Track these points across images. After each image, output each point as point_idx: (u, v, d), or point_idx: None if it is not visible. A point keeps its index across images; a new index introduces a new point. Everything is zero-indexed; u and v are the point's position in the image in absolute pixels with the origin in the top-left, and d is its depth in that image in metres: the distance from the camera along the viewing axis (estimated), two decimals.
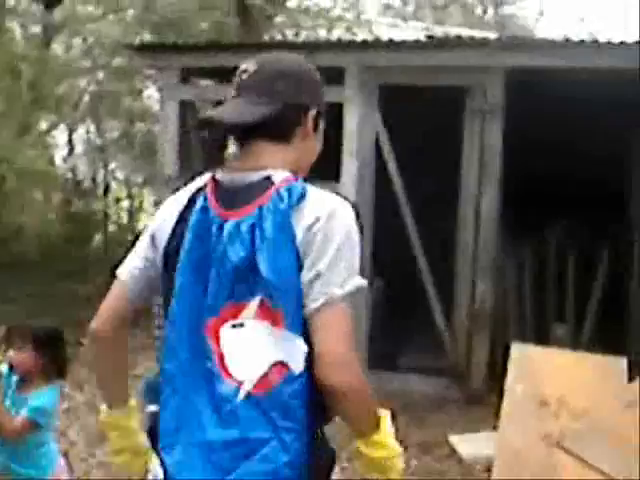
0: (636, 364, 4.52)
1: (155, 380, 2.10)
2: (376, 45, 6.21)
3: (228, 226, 1.95)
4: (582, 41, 5.75)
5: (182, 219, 2.06)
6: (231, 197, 1.99)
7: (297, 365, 1.92)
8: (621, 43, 5.65)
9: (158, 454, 2.04)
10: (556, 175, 8.08)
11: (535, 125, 7.40)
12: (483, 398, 5.83)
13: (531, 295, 7.10)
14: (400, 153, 6.26)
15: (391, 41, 6.16)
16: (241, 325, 1.94)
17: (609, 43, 5.66)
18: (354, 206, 2.00)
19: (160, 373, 2.03)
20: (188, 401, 1.97)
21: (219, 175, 2.06)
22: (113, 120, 9.99)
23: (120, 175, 10.61)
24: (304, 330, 1.92)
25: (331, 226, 1.93)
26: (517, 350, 4.40)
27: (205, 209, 2.01)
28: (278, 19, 10.17)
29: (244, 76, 2.06)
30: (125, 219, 10.68)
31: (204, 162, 7.77)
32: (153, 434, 2.08)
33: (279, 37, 10.32)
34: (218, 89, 6.73)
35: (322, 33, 10.63)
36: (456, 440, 4.25)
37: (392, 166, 6.24)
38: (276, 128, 2.04)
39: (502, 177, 6.07)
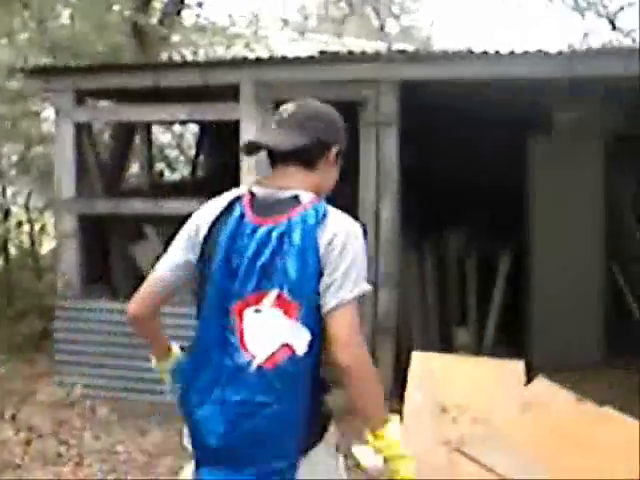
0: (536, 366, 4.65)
1: (180, 356, 2.86)
2: (269, 61, 6.24)
3: (261, 231, 2.48)
4: (471, 52, 5.87)
5: (218, 221, 2.56)
6: (264, 208, 2.52)
7: (301, 349, 2.43)
8: (511, 53, 5.79)
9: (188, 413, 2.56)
10: (456, 182, 8.22)
11: (434, 134, 7.53)
12: (388, 406, 5.86)
13: (434, 301, 7.20)
14: None
15: (284, 57, 6.21)
16: (260, 310, 2.45)
17: (497, 53, 5.80)
18: (362, 225, 2.56)
19: (194, 341, 2.54)
20: (215, 366, 2.48)
21: (255, 189, 2.59)
22: (11, 144, 9.80)
23: (20, 199, 10.41)
24: (317, 323, 2.44)
25: (346, 242, 2.46)
26: (417, 358, 4.46)
27: (242, 215, 2.51)
28: (175, 38, 10.14)
29: (284, 114, 2.61)
30: (27, 243, 10.46)
31: (102, 184, 7.71)
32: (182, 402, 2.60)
33: (176, 56, 10.29)
34: (115, 110, 6.71)
35: (220, 50, 10.65)
36: (359, 451, 4.28)
37: None
38: (305, 157, 2.59)
39: (400, 187, 6.15)
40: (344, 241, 2.47)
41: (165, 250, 2.66)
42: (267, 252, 2.46)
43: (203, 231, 2.60)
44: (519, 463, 3.99)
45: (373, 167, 6.08)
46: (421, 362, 4.45)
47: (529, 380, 4.42)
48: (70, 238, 6.83)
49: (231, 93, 6.12)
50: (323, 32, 16.45)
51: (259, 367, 2.44)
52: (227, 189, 2.60)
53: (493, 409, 4.24)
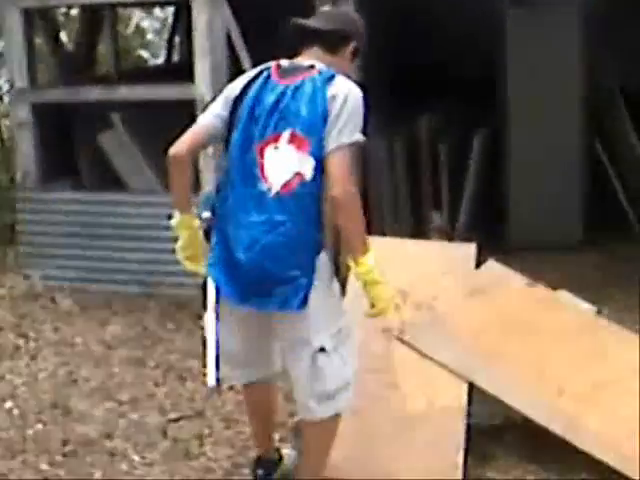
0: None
1: (210, 194, 3.27)
2: None
3: (280, 87, 3.06)
4: None
5: (249, 85, 3.13)
6: (286, 72, 3.10)
7: (308, 174, 2.98)
8: None
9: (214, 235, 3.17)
10: (429, 62, 7.92)
11: (404, 12, 7.23)
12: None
13: (405, 185, 6.99)
14: (253, 49, 6.02)
15: None
16: (278, 147, 3.01)
17: None
18: (362, 86, 3.08)
19: (224, 176, 3.14)
20: (241, 194, 3.05)
21: (282, 62, 3.16)
22: None
23: None
24: (322, 154, 2.98)
25: (347, 98, 3.01)
26: None
27: (268, 77, 3.10)
28: None
29: (321, 11, 3.46)
30: None
31: (64, 72, 7.46)
32: (208, 234, 3.21)
33: None
34: None
35: None
36: None
37: (246, 61, 5.99)
38: (328, 40, 3.17)
39: (365, 67, 5.86)
40: (346, 96, 3.01)
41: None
42: (284, 101, 3.02)
43: (235, 92, 3.15)
44: (459, 352, 3.85)
45: None
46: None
47: (507, 263, 4.25)
48: (25, 128, 6.62)
49: None
50: None
51: (277, 193, 2.99)
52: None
53: (439, 295, 4.08)
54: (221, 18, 6.01)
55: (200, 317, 5.68)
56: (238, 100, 3.14)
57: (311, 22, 3.22)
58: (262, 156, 3.04)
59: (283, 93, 3.05)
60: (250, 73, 3.23)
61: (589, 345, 3.88)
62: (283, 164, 3.01)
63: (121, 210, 6.54)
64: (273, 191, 3.01)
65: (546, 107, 7.01)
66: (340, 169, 2.98)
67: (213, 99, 3.35)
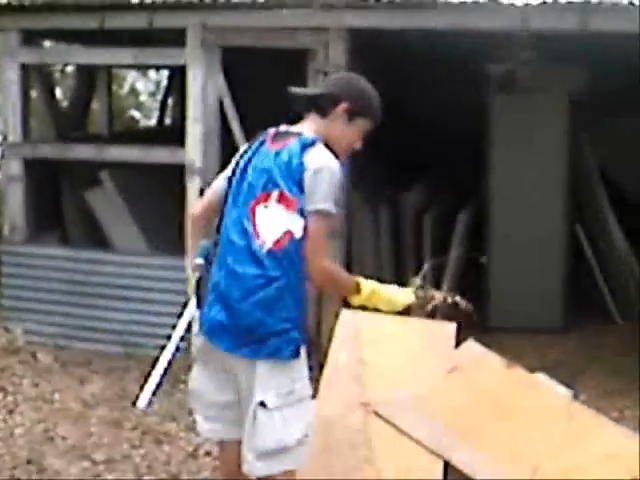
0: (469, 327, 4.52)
1: (207, 245, 3.28)
2: (216, 5, 6.01)
3: (270, 151, 3.17)
4: (420, 3, 5.68)
5: (250, 148, 3.28)
6: (279, 138, 3.19)
7: (298, 232, 3.06)
8: (462, 3, 5.60)
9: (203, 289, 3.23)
10: (416, 138, 8.06)
11: (390, 86, 7.34)
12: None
13: (389, 258, 7.07)
14: (245, 117, 6.14)
15: (231, 2, 5.99)
16: (267, 207, 3.11)
17: (447, 3, 5.61)
18: (340, 161, 3.14)
19: (221, 234, 3.22)
20: (236, 248, 3.12)
21: (280, 128, 3.25)
22: None
23: None
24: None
25: (321, 168, 3.06)
26: (345, 315, 4.33)
27: (263, 142, 3.23)
28: None
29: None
30: None
31: (57, 129, 7.55)
32: (199, 281, 3.26)
33: None
34: (60, 51, 6.55)
35: None
36: None
37: (237, 130, 6.12)
38: (319, 105, 3.21)
39: None
40: (321, 167, 3.06)
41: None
42: (271, 164, 3.13)
43: (237, 157, 3.31)
44: (435, 430, 3.88)
45: None
46: (348, 319, 4.32)
47: (487, 344, 4.29)
48: (16, 182, 6.69)
49: (180, 39, 5.96)
50: None
51: (269, 250, 3.07)
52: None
53: (418, 371, 4.12)
54: (215, 85, 6.14)
55: (180, 381, 5.81)
56: (238, 163, 3.28)
57: (309, 89, 3.44)
58: (254, 214, 3.13)
59: (272, 155, 3.15)
60: (255, 140, 3.36)
61: (564, 429, 3.92)
62: (274, 222, 3.09)
63: (106, 269, 6.59)
64: (265, 248, 3.07)
65: (529, 191, 7.14)
66: (312, 240, 3.07)
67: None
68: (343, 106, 3.18)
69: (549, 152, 7.11)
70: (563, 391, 4.31)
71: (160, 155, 6.50)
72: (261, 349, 3.09)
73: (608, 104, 7.83)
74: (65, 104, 9.32)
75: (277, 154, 3.14)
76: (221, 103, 6.17)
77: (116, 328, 6.44)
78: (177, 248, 6.31)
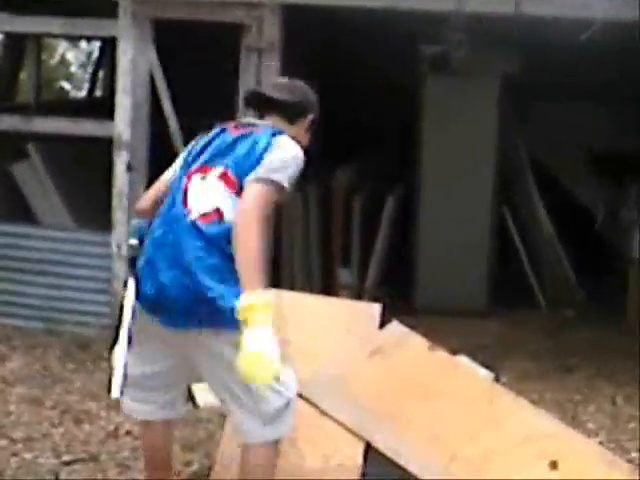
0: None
1: (139, 224, 3.30)
2: None
3: (230, 135, 3.20)
4: None
5: (202, 138, 3.29)
6: (241, 126, 3.26)
7: (228, 215, 3.01)
8: None
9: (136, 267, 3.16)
10: (345, 119, 8.03)
11: (320, 65, 7.35)
12: None
13: (317, 240, 7.06)
14: (176, 91, 6.07)
15: None
16: (204, 178, 3.12)
17: None
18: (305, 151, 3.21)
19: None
20: (163, 214, 3.16)
21: (242, 120, 3.45)
22: None
23: None
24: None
25: (283, 148, 3.11)
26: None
27: (223, 130, 3.25)
28: None
29: (277, 82, 3.69)
30: None
31: None
32: (133, 261, 3.20)
33: None
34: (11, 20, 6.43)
35: None
36: (196, 388, 4.22)
37: (167, 104, 6.05)
38: (289, 111, 3.32)
39: None
40: (282, 146, 3.11)
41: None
42: (228, 145, 3.15)
43: (189, 148, 3.34)
44: (357, 411, 3.89)
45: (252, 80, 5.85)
46: (274, 300, 4.28)
47: (411, 326, 4.30)
48: None
49: (106, 9, 5.85)
50: None
51: (194, 220, 3.03)
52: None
53: (340, 353, 4.12)
54: (145, 58, 6.05)
55: (101, 359, 5.73)
56: (190, 152, 3.29)
57: (273, 92, 3.37)
58: (189, 180, 3.13)
59: (230, 139, 3.18)
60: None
61: (485, 412, 3.96)
62: (206, 195, 3.07)
63: (29, 243, 6.47)
64: (190, 217, 3.05)
65: (459, 172, 7.18)
66: (247, 199, 2.96)
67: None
68: (310, 117, 3.38)
69: (480, 134, 7.17)
70: (484, 373, 4.36)
71: (89, 127, 6.37)
72: (198, 320, 3.02)
73: (541, 88, 7.91)
74: None
75: (238, 138, 3.16)
76: (152, 77, 6.07)
77: (38, 303, 6.34)
78: (104, 223, 6.24)
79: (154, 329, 3.13)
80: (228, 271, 2.95)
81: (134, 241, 3.26)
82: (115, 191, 6.09)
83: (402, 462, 3.75)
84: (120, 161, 6.05)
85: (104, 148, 6.21)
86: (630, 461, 4.40)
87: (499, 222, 7.52)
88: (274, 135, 3.16)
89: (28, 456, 4.30)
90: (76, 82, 13.68)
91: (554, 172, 8.32)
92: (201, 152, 3.22)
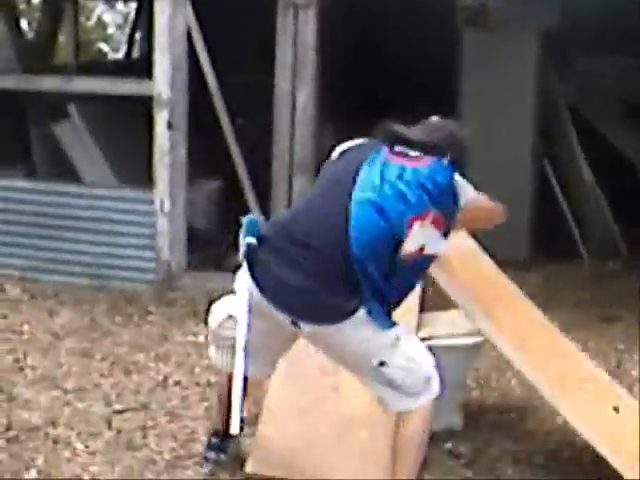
0: None
1: (256, 220, 3.31)
2: None
3: (406, 165, 3.22)
4: None
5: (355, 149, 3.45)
6: (400, 154, 3.28)
7: (431, 250, 3.24)
8: None
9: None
10: (386, 75, 8.02)
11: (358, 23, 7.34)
12: None
13: None
14: (214, 49, 6.10)
15: None
16: (423, 226, 3.20)
17: None
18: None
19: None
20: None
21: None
22: None
23: None
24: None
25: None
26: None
27: (379, 150, 3.28)
28: None
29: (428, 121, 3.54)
30: None
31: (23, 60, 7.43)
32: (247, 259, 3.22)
33: None
34: None
35: None
36: None
37: (205, 62, 6.06)
38: (428, 152, 3.29)
39: (318, 74, 5.98)
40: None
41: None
42: (417, 178, 3.19)
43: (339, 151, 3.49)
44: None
45: (290, 52, 5.88)
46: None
47: None
48: None
49: None
50: None
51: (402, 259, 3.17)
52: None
53: None
54: (183, 16, 6.07)
55: (148, 312, 5.84)
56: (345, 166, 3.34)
57: (415, 133, 3.39)
58: (410, 228, 3.17)
59: (408, 171, 3.21)
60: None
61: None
62: (418, 238, 3.19)
63: (74, 201, 6.55)
64: (401, 254, 3.16)
65: (499, 126, 7.15)
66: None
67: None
68: (447, 160, 3.33)
69: (519, 87, 7.12)
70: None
71: (128, 87, 6.41)
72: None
73: (581, 42, 7.82)
74: (31, 36, 9.16)
75: (416, 170, 3.21)
76: (189, 35, 6.10)
77: (84, 260, 6.44)
78: (145, 181, 6.32)
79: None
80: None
81: (252, 240, 3.22)
82: (156, 149, 6.15)
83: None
84: (161, 119, 6.10)
85: (144, 108, 6.27)
86: None
87: (540, 174, 7.49)
88: (450, 170, 3.31)
89: (80, 405, 4.41)
90: (113, 43, 13.75)
91: (594, 124, 8.25)
92: (357, 173, 3.22)
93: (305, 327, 3.22)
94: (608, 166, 7.59)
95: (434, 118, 3.52)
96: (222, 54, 6.23)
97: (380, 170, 3.20)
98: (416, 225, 3.16)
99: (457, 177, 3.34)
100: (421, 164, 3.24)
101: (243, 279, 3.26)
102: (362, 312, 3.16)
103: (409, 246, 3.16)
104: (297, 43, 5.87)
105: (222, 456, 3.67)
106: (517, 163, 7.26)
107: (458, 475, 3.76)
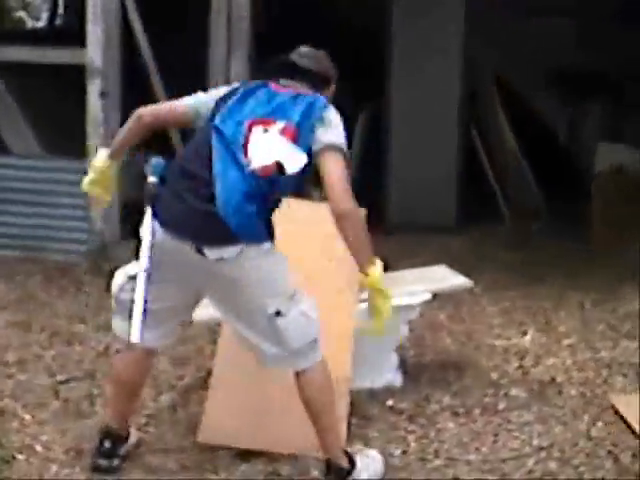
0: None
1: (161, 163, 3.29)
2: None
3: (278, 92, 3.21)
4: None
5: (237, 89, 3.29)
6: (284, 87, 3.26)
7: (291, 169, 3.04)
8: None
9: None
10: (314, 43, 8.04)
11: None
12: None
13: None
14: (146, 14, 6.07)
15: None
16: (267, 130, 3.10)
17: None
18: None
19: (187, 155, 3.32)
20: (223, 155, 3.09)
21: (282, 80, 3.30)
22: None
23: None
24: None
25: (336, 115, 3.17)
26: None
27: (265, 84, 3.25)
28: None
29: (303, 51, 3.38)
30: None
31: None
32: (150, 199, 3.23)
33: None
34: None
35: None
36: None
37: (138, 28, 6.03)
38: (316, 80, 3.32)
39: (252, 40, 6.02)
40: (333, 111, 3.18)
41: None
42: (282, 100, 3.16)
43: (222, 93, 3.31)
44: None
45: (223, 20, 5.89)
46: None
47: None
48: None
49: None
50: None
51: (254, 170, 3.04)
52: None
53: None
54: None
55: (84, 283, 5.82)
56: (227, 97, 3.25)
57: (301, 61, 3.34)
58: (250, 131, 3.12)
59: (281, 95, 3.20)
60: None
61: None
62: (267, 148, 3.08)
63: (3, 173, 6.48)
64: (250, 167, 3.06)
65: (425, 93, 7.31)
66: (336, 177, 3.06)
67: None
68: (332, 87, 3.41)
69: (445, 52, 7.29)
70: (465, 281, 4.53)
71: (59, 55, 6.30)
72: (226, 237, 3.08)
73: (505, 3, 8.00)
74: None
75: (296, 95, 3.18)
76: (122, 2, 6.05)
77: (16, 232, 6.39)
78: (76, 151, 6.26)
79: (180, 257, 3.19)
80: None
81: (154, 179, 3.27)
82: (89, 118, 6.09)
83: None
84: (93, 88, 6.04)
85: (74, 76, 6.20)
86: (598, 360, 4.67)
87: (467, 141, 7.66)
88: (324, 107, 3.18)
89: (23, 377, 4.38)
90: (34, 12, 13.42)
91: (518, 89, 8.44)
92: (243, 101, 3.19)
93: (210, 254, 3.11)
94: (529, 131, 7.81)
95: (304, 48, 3.42)
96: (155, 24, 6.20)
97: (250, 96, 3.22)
98: (256, 129, 3.12)
99: (333, 112, 3.20)
100: (296, 91, 3.23)
101: (146, 221, 3.24)
102: (267, 245, 3.14)
103: (257, 156, 3.06)
104: (230, 10, 5.89)
105: (115, 462, 3.47)
106: (445, 130, 7.42)
107: (401, 429, 3.88)
